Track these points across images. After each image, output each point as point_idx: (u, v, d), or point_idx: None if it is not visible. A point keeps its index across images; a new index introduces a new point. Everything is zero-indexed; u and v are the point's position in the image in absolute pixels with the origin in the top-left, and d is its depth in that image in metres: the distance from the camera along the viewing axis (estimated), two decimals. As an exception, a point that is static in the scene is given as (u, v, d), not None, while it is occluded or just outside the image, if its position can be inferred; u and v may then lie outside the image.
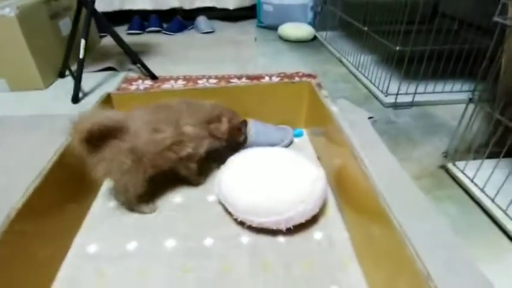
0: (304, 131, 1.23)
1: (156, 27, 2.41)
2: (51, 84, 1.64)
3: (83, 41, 1.43)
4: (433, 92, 1.45)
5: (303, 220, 0.80)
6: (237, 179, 0.83)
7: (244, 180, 0.82)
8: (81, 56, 1.43)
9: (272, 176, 0.82)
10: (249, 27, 2.65)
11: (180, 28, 2.46)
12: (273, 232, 0.82)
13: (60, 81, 1.69)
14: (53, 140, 0.81)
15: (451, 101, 1.44)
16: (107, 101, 1.07)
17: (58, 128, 0.72)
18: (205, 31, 2.46)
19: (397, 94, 1.41)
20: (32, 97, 1.53)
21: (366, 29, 1.61)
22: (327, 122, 0.97)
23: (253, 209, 0.78)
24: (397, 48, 1.32)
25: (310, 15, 2.43)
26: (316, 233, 0.83)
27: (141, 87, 1.60)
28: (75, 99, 1.45)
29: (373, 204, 0.66)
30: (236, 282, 0.72)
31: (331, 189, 0.95)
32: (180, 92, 1.14)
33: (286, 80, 1.68)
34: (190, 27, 2.54)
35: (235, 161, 0.89)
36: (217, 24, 2.70)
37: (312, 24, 2.41)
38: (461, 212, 0.91)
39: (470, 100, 0.93)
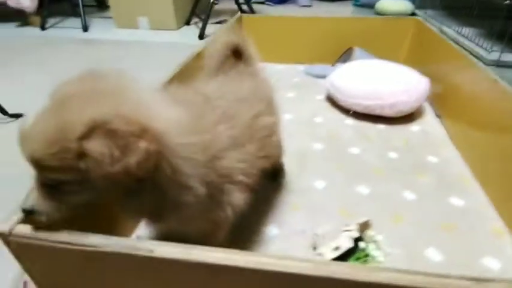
0: (402, 70, 1.32)
1: (260, -2, 2.70)
2: (180, 28, 2.00)
3: (213, -13, 1.74)
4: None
5: (404, 109, 0.92)
6: (348, 71, 0.99)
7: (356, 71, 0.98)
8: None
9: (381, 69, 0.96)
10: (345, 5, 2.78)
11: (281, 0, 2.70)
12: (374, 120, 0.96)
13: (186, 27, 2.04)
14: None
15: None
16: (238, 21, 1.32)
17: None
18: (303, 4, 2.67)
19: (502, 52, 1.41)
20: (167, 34, 1.90)
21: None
22: (443, 54, 1.04)
23: (361, 93, 0.93)
24: (507, 1, 1.34)
25: (410, -7, 2.46)
26: (414, 127, 0.94)
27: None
28: (201, 36, 1.76)
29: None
30: (342, 144, 0.87)
31: (433, 109, 1.04)
32: (303, 19, 1.35)
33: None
34: (290, 1, 2.78)
35: (347, 64, 1.05)
36: (316, 2, 2.89)
37: (412, 1, 2.44)
38: None
39: None
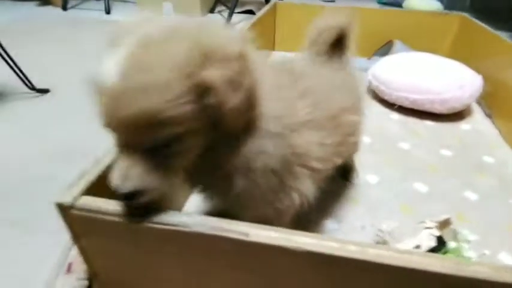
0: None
1: (284, -10, 2.65)
2: (204, 16, 1.95)
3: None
4: None
5: (456, 105, 0.86)
6: (394, 63, 0.93)
7: (402, 64, 0.92)
8: (240, -13, 1.68)
9: (430, 63, 0.90)
10: (369, 2, 2.72)
11: (305, -5, 2.65)
12: (421, 116, 0.90)
13: (210, 15, 1.99)
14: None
15: None
16: (272, 9, 1.27)
17: None
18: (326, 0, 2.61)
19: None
20: (190, 21, 1.85)
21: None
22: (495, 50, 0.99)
23: (410, 86, 0.87)
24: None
25: (439, -7, 2.39)
26: (464, 125, 0.89)
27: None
28: (228, 22, 1.70)
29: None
30: (390, 139, 0.81)
31: (481, 108, 0.98)
32: (339, 9, 1.28)
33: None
34: (314, -5, 2.72)
35: (391, 56, 0.99)
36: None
37: (441, 2, 2.37)
38: None
39: None
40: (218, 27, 0.31)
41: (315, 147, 0.38)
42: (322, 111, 0.39)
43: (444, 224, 0.45)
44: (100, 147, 0.84)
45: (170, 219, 0.28)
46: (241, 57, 0.28)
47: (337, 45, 0.51)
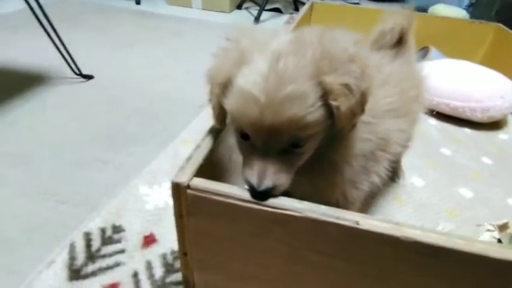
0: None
1: (309, -10, 2.65)
2: (232, 11, 1.97)
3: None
4: None
5: (496, 114, 0.87)
6: (435, 69, 0.94)
7: (444, 70, 0.93)
8: (272, -15, 1.69)
9: (474, 70, 0.91)
10: (393, 6, 2.72)
11: (330, -4, 2.65)
12: (459, 123, 0.91)
13: (237, 11, 2.01)
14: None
15: None
16: (309, 8, 1.28)
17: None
18: (351, 2, 2.61)
19: None
20: (220, 16, 1.87)
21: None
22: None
23: (451, 93, 0.89)
24: None
25: (465, 1, 2.38)
26: (502, 135, 0.90)
27: (305, 26, 1.81)
28: (257, 18, 1.72)
29: None
30: (431, 144, 0.83)
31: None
32: (376, 12, 1.30)
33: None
34: (338, -3, 2.73)
35: (432, 62, 1.00)
36: (363, 1, 2.83)
37: (467, 11, 2.36)
38: None
39: None
40: (336, 35, 0.33)
41: (395, 133, 0.42)
42: (398, 99, 0.42)
43: (503, 228, 0.47)
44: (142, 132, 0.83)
45: (282, 203, 0.30)
46: (358, 62, 0.31)
47: (399, 42, 0.53)
